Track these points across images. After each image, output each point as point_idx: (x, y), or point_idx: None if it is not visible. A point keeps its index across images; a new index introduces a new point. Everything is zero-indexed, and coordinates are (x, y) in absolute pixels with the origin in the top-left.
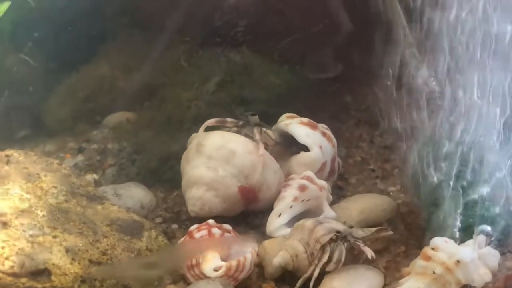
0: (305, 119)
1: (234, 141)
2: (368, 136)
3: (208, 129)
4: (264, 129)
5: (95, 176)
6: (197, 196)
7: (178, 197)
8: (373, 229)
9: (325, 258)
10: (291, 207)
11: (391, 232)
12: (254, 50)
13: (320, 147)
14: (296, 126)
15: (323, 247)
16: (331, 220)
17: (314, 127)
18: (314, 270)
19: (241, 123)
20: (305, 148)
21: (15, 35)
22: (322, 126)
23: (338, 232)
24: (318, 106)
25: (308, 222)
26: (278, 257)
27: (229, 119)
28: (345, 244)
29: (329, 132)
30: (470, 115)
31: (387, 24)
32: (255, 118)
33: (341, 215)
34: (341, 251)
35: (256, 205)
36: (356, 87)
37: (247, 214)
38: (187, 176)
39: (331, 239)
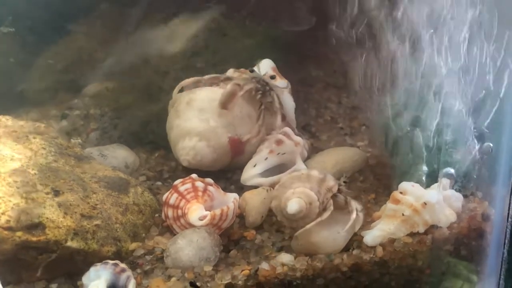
0: None
1: None
2: (336, 98)
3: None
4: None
5: (80, 140)
6: (190, 146)
7: (159, 158)
8: None
9: (331, 209)
10: (266, 159)
11: None
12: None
13: None
14: None
15: (333, 197)
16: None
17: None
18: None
19: (222, 77)
20: None
21: None
22: None
23: (344, 181)
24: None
25: (314, 172)
26: (294, 204)
27: (206, 76)
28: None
29: None
30: (431, 67)
31: None
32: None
33: (316, 167)
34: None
35: (241, 159)
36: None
37: (227, 170)
38: (178, 129)
39: (339, 189)
